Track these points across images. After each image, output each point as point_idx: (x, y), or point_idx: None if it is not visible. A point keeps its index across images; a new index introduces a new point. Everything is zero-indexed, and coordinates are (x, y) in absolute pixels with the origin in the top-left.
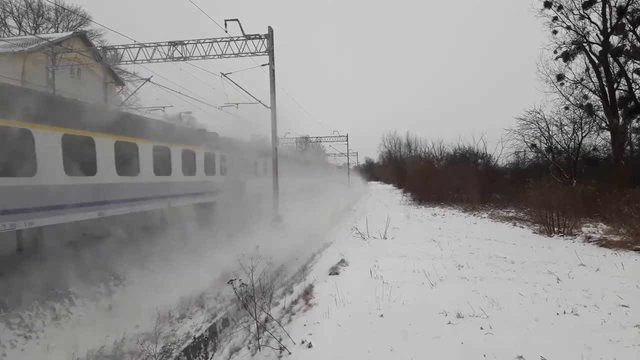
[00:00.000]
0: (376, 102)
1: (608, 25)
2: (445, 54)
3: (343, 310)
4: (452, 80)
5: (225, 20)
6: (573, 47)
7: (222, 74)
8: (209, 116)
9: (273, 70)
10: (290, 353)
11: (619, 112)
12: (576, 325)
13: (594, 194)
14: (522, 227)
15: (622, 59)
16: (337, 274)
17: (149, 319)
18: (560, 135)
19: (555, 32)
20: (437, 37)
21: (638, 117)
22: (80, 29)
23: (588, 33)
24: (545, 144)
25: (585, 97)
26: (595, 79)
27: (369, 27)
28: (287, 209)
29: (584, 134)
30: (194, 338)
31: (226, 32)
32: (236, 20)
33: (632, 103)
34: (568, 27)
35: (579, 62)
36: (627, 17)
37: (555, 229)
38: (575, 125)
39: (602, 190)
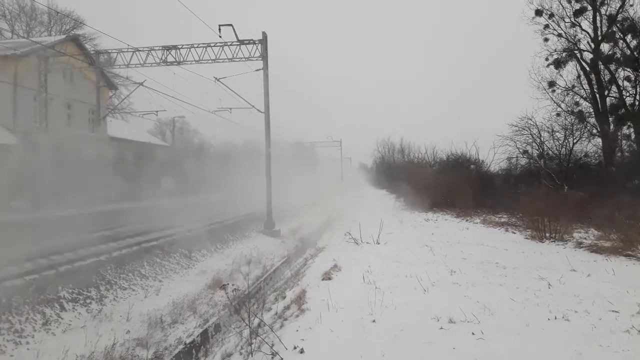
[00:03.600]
0: (371, 107)
1: (599, 33)
2: (441, 63)
3: (335, 316)
4: (447, 86)
5: (220, 25)
6: (564, 54)
7: (216, 78)
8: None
9: (267, 75)
10: (282, 359)
11: (610, 119)
12: (567, 331)
13: (586, 200)
14: (514, 233)
15: (612, 67)
16: (330, 279)
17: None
18: (552, 141)
19: (546, 39)
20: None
21: (628, 124)
22: (73, 32)
23: (579, 41)
24: (537, 150)
25: (577, 104)
26: (586, 86)
27: (363, 30)
28: None
29: (575, 141)
30: (185, 344)
31: (220, 37)
32: (230, 25)
33: (623, 110)
34: (559, 35)
35: (571, 70)
36: (618, 25)
37: (547, 234)
38: (567, 132)
39: (594, 197)
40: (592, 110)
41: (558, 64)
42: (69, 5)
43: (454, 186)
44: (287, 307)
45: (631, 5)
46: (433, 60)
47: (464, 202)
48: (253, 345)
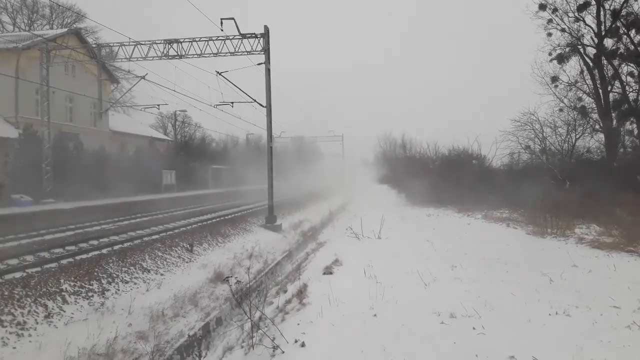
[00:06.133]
0: (373, 102)
1: (602, 28)
2: (443, 56)
3: (337, 310)
4: (449, 82)
5: (222, 19)
6: (567, 49)
7: (218, 72)
8: (204, 114)
9: (269, 70)
10: (283, 352)
11: (613, 114)
12: (568, 326)
13: (588, 196)
14: (516, 228)
15: (616, 62)
16: (331, 273)
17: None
18: (554, 137)
19: (549, 34)
20: (432, 41)
21: (631, 119)
22: (75, 25)
23: (582, 36)
24: (539, 145)
25: (580, 99)
26: (589, 82)
27: (365, 24)
28: None
29: (577, 136)
30: (188, 336)
31: (222, 30)
32: (232, 19)
33: (626, 105)
34: (563, 30)
35: (574, 65)
36: (622, 20)
37: (549, 230)
38: (569, 127)
39: (595, 192)
40: (595, 105)
41: (561, 59)
42: None
43: (456, 181)
44: (289, 301)
45: (636, 0)
46: (433, 58)
47: (465, 197)
48: (254, 339)
